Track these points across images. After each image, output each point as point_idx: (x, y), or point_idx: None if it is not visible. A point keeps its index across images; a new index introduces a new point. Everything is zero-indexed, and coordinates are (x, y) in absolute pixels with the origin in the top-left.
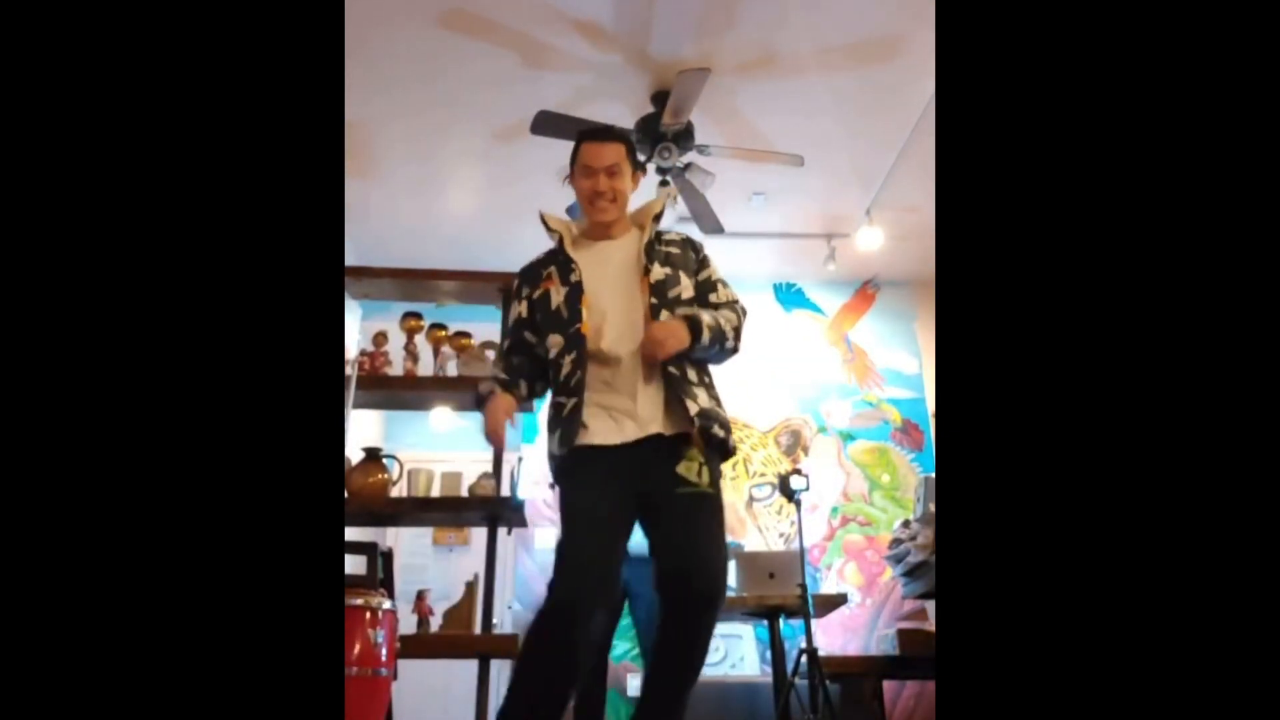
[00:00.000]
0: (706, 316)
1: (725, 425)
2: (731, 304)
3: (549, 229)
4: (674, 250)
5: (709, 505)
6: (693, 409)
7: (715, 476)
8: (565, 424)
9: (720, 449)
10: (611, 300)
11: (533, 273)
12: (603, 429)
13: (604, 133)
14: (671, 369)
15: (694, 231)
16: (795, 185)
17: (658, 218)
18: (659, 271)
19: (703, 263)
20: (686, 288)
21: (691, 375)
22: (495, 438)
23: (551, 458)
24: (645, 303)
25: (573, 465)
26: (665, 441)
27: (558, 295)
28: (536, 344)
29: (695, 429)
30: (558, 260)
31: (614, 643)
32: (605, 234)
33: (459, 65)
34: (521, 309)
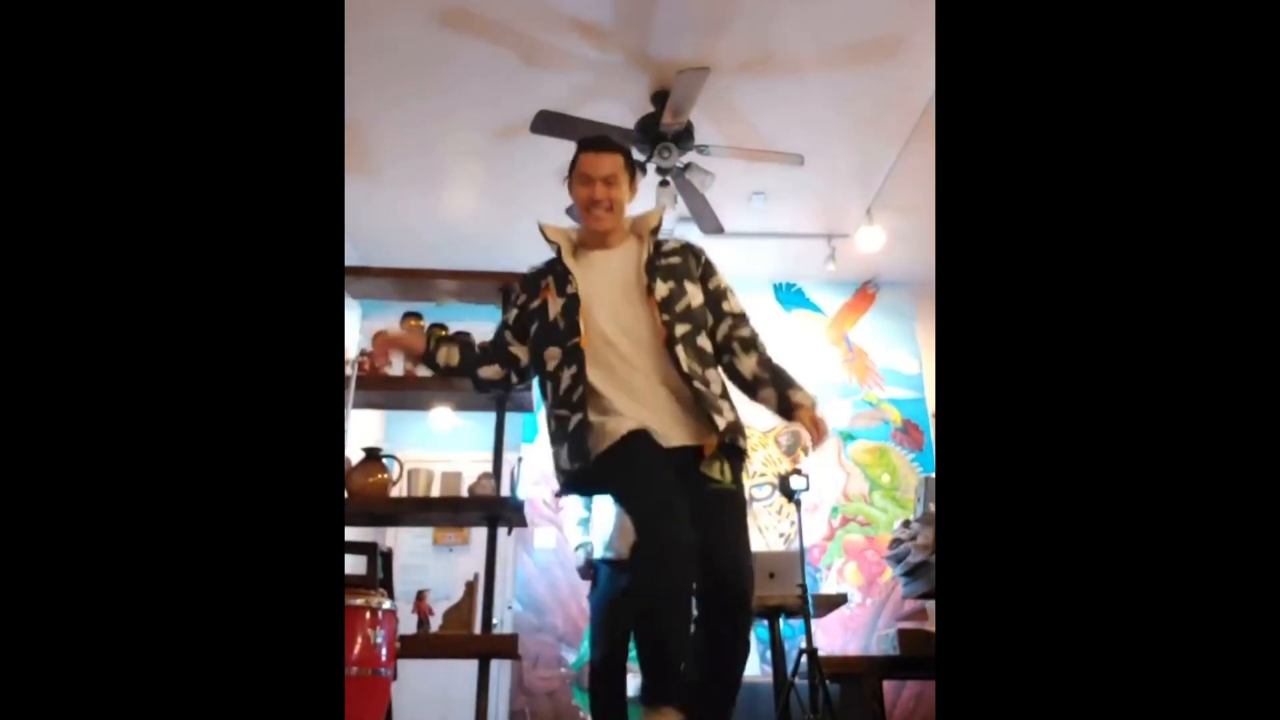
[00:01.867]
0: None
1: (744, 435)
2: (743, 317)
3: (548, 239)
4: (674, 260)
5: (735, 502)
6: (720, 423)
7: (737, 474)
8: (574, 438)
9: (741, 457)
10: (613, 312)
11: (531, 282)
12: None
13: (602, 142)
14: (698, 384)
15: (694, 232)
16: (795, 185)
17: (655, 230)
18: (663, 288)
19: (708, 268)
20: (694, 295)
21: (716, 388)
22: (388, 343)
23: (560, 471)
24: (657, 321)
25: (622, 453)
26: (690, 449)
27: (555, 306)
28: (515, 346)
29: (718, 443)
30: (555, 270)
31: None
32: (603, 243)
33: (459, 64)
34: (510, 316)
